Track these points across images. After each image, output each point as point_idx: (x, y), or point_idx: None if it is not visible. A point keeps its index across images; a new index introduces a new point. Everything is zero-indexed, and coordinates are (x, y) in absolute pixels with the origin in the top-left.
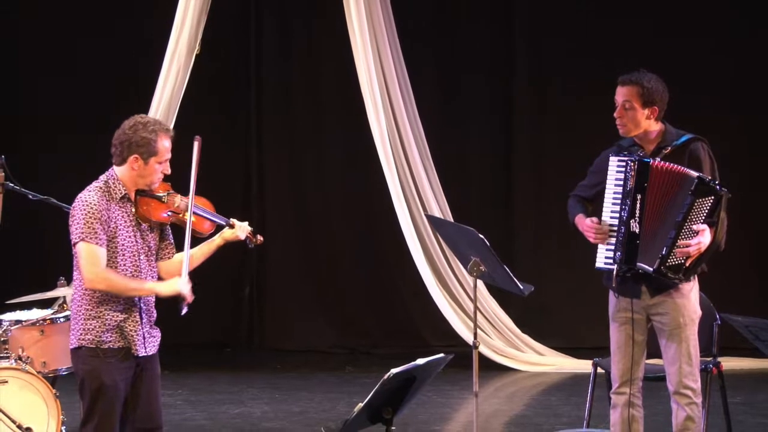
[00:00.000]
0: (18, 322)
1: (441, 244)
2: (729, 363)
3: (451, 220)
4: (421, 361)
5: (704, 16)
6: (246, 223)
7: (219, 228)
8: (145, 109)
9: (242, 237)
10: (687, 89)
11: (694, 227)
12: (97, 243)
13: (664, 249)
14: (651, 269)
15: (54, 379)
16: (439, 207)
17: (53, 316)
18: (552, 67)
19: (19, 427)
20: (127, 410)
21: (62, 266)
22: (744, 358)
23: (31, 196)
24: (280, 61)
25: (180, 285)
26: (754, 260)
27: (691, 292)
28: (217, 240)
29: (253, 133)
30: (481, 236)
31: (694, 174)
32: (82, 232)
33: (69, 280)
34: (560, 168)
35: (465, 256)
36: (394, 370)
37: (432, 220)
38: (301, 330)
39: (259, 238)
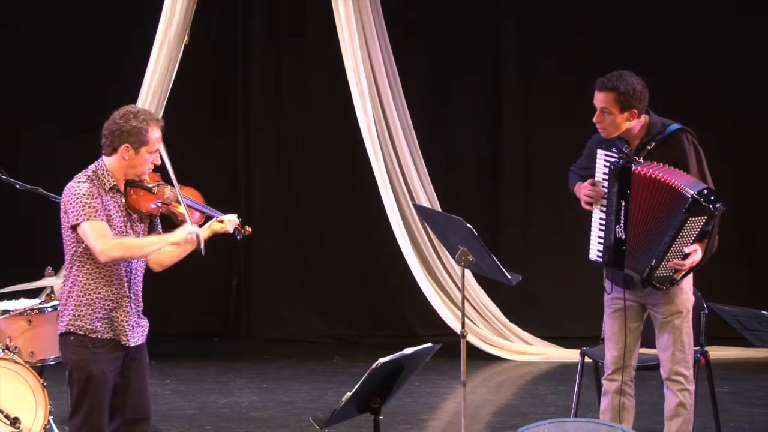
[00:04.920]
0: (5, 311)
1: (429, 234)
2: (716, 352)
3: (439, 209)
4: (408, 350)
5: (699, 14)
6: (235, 215)
7: (208, 219)
8: (134, 100)
9: (230, 230)
10: (680, 86)
11: (686, 249)
12: (100, 219)
13: (654, 261)
14: (639, 278)
15: (42, 369)
16: (426, 197)
17: (41, 305)
18: (542, 56)
19: (7, 416)
20: (116, 401)
21: (49, 256)
22: (731, 347)
23: (18, 186)
24: (268, 50)
25: (190, 227)
26: (742, 251)
27: (684, 282)
28: (206, 231)
29: (240, 123)
30: (469, 225)
31: (689, 192)
32: (83, 213)
33: (56, 270)
34: (549, 158)
35: (453, 245)
36: (381, 360)
37: (420, 209)
38: (289, 320)
39: (248, 229)
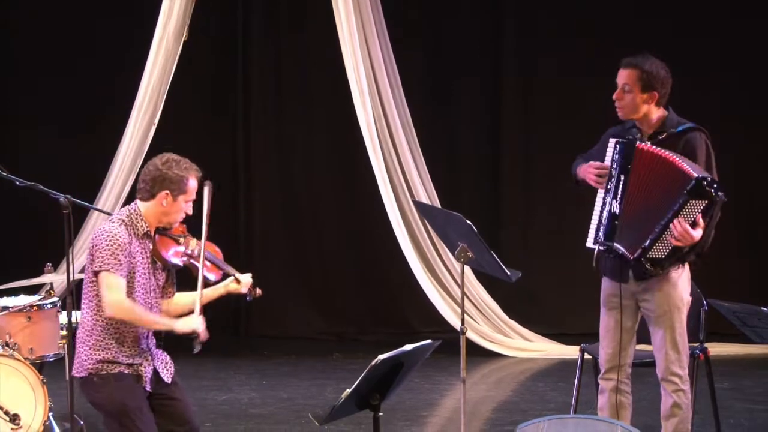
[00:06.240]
0: (5, 308)
1: (428, 231)
2: (716, 349)
3: (439, 206)
4: (408, 347)
5: (699, 14)
6: (249, 275)
7: (225, 276)
8: (133, 100)
9: (244, 291)
10: (680, 85)
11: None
12: (120, 274)
13: (648, 241)
14: (630, 256)
15: (41, 366)
16: (426, 194)
17: (40, 302)
18: (542, 56)
19: (6, 413)
20: (167, 425)
21: (49, 252)
22: (731, 343)
23: (18, 183)
24: (268, 50)
25: (196, 323)
26: (742, 249)
27: (679, 280)
28: (221, 289)
29: (240, 122)
30: (469, 222)
31: (693, 174)
32: (108, 262)
33: (56, 266)
34: (549, 158)
35: (452, 242)
36: (381, 356)
37: (419, 206)
38: (289, 316)
39: (258, 291)
